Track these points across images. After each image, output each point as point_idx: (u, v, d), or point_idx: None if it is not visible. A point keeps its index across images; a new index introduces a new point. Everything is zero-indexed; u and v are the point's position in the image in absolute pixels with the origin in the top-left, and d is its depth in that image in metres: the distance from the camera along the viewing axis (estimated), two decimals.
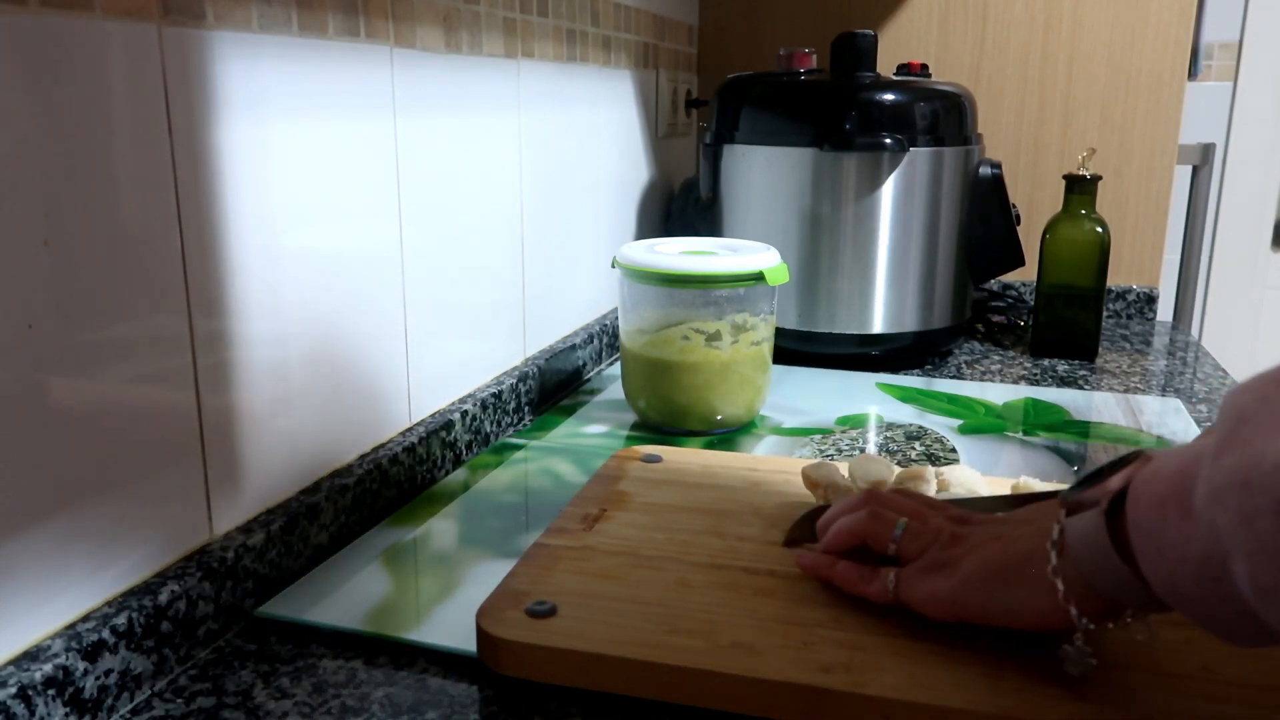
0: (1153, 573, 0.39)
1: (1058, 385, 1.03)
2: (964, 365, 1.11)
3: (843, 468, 0.67)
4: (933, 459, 0.82)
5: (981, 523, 0.51)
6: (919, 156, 1.03)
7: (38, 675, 0.43)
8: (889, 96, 1.04)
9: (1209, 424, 0.92)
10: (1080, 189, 1.10)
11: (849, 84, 1.05)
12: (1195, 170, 1.49)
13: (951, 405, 0.96)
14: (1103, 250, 1.10)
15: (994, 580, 0.46)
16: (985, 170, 1.08)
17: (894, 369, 1.08)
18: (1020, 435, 0.88)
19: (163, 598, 0.50)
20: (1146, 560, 0.39)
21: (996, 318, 1.30)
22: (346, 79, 0.65)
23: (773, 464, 0.73)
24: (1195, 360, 1.15)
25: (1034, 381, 1.05)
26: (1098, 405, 0.96)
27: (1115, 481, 0.42)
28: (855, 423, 0.91)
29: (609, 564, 0.57)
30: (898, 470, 0.66)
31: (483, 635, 0.50)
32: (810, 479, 0.65)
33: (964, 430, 0.89)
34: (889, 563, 0.52)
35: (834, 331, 1.07)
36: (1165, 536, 0.38)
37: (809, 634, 0.49)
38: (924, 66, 1.12)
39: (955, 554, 0.49)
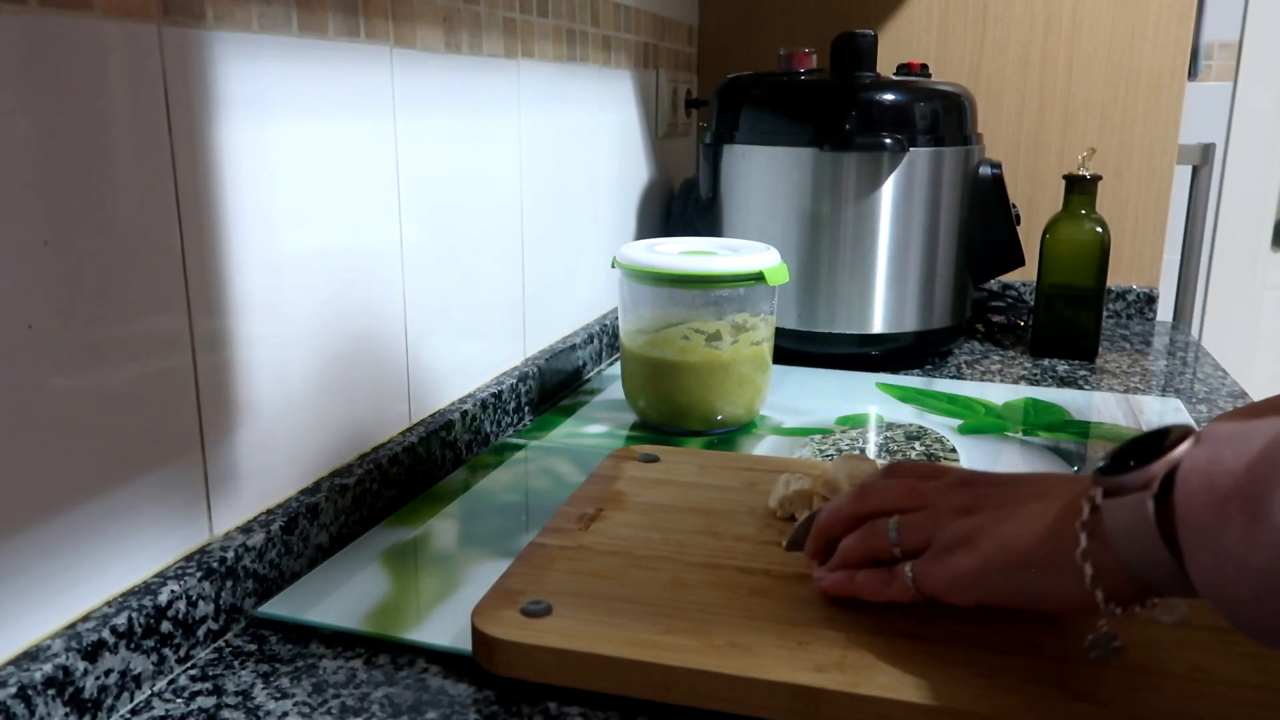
0: (1203, 573, 0.36)
1: (1058, 385, 1.03)
2: (964, 365, 1.11)
3: (828, 467, 0.67)
4: (932, 459, 0.82)
5: (991, 484, 0.49)
6: (919, 156, 1.03)
7: (38, 675, 0.43)
8: (889, 96, 1.04)
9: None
10: (1080, 189, 1.10)
11: (849, 84, 1.05)
12: (1195, 170, 1.49)
13: (951, 405, 0.96)
14: (1103, 250, 1.10)
15: (1017, 563, 0.44)
16: (985, 170, 1.08)
17: (894, 369, 1.08)
18: (1020, 435, 0.88)
19: (163, 598, 0.50)
20: (1198, 559, 0.36)
21: (996, 318, 1.30)
22: (346, 79, 0.65)
23: (769, 464, 0.73)
24: (1195, 360, 1.15)
25: (1034, 381, 1.05)
26: (1098, 405, 0.96)
27: (1160, 465, 0.39)
28: (855, 423, 0.91)
29: (604, 564, 0.57)
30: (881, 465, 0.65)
31: (478, 635, 0.50)
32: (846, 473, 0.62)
33: (964, 430, 0.89)
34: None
35: (834, 331, 1.07)
36: (1225, 541, 0.35)
37: (804, 634, 0.49)
38: (924, 66, 1.12)
39: (967, 529, 0.47)
